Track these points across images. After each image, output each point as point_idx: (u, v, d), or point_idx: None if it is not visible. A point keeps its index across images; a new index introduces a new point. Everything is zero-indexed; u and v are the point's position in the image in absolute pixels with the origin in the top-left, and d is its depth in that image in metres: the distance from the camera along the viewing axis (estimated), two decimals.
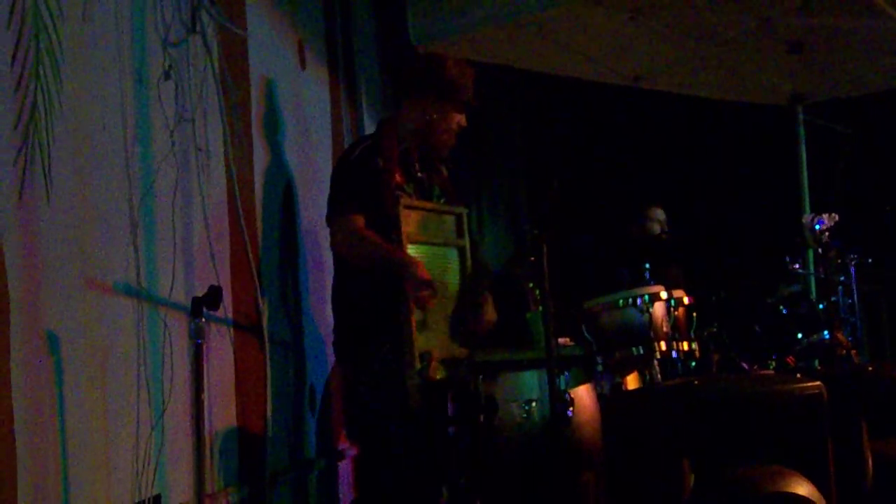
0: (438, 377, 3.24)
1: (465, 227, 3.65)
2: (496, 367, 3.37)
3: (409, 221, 3.43)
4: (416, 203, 3.54)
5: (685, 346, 3.65)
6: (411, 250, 3.40)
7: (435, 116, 3.61)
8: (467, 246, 3.64)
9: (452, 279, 3.56)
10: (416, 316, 3.31)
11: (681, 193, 6.39)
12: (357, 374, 3.45)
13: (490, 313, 3.61)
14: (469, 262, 3.63)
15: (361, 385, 3.43)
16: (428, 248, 3.50)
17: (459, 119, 3.66)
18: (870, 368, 4.03)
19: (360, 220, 3.42)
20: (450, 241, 3.61)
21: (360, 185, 3.45)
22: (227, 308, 3.33)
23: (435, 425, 3.30)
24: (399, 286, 3.31)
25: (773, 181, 6.83)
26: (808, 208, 6.50)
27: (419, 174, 3.67)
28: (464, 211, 3.68)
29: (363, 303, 3.47)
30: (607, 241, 5.94)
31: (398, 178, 3.53)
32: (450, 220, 3.64)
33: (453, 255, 3.61)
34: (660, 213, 5.77)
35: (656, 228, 5.72)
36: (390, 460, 3.37)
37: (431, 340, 3.37)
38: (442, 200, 3.70)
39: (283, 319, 3.82)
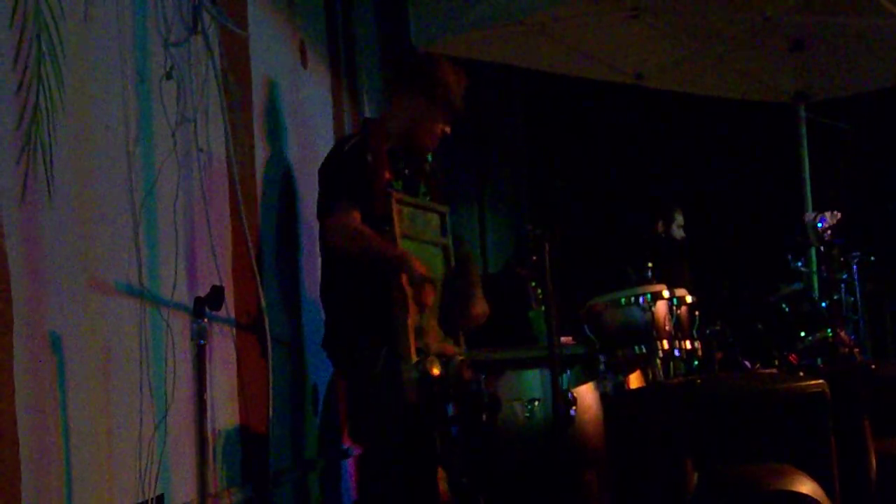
0: (436, 371, 3.23)
1: (448, 226, 3.65)
2: (499, 366, 3.37)
3: (400, 217, 3.43)
4: (406, 198, 3.53)
5: (688, 344, 3.65)
6: (402, 246, 3.40)
7: (425, 121, 3.60)
8: (450, 245, 3.64)
9: (440, 276, 3.55)
10: (409, 311, 3.31)
11: (682, 192, 6.38)
12: (358, 374, 3.44)
13: (481, 305, 3.60)
14: (452, 261, 3.62)
15: (364, 385, 3.42)
16: (417, 244, 3.50)
17: (444, 126, 3.65)
18: (872, 366, 4.02)
19: (356, 215, 3.40)
20: (436, 238, 3.61)
21: (352, 180, 3.44)
22: (229, 308, 3.32)
23: (433, 421, 3.29)
24: (391, 282, 3.30)
25: (775, 179, 6.83)
26: (810, 206, 6.49)
27: (405, 171, 3.66)
28: (446, 210, 3.67)
29: (355, 300, 3.45)
30: (625, 240, 5.95)
31: (387, 174, 3.53)
32: (434, 218, 3.64)
33: (439, 252, 3.61)
34: (680, 217, 5.81)
35: (680, 232, 5.76)
36: (394, 460, 3.36)
37: (425, 336, 3.37)
38: (428, 198, 3.70)
39: (285, 319, 3.82)
